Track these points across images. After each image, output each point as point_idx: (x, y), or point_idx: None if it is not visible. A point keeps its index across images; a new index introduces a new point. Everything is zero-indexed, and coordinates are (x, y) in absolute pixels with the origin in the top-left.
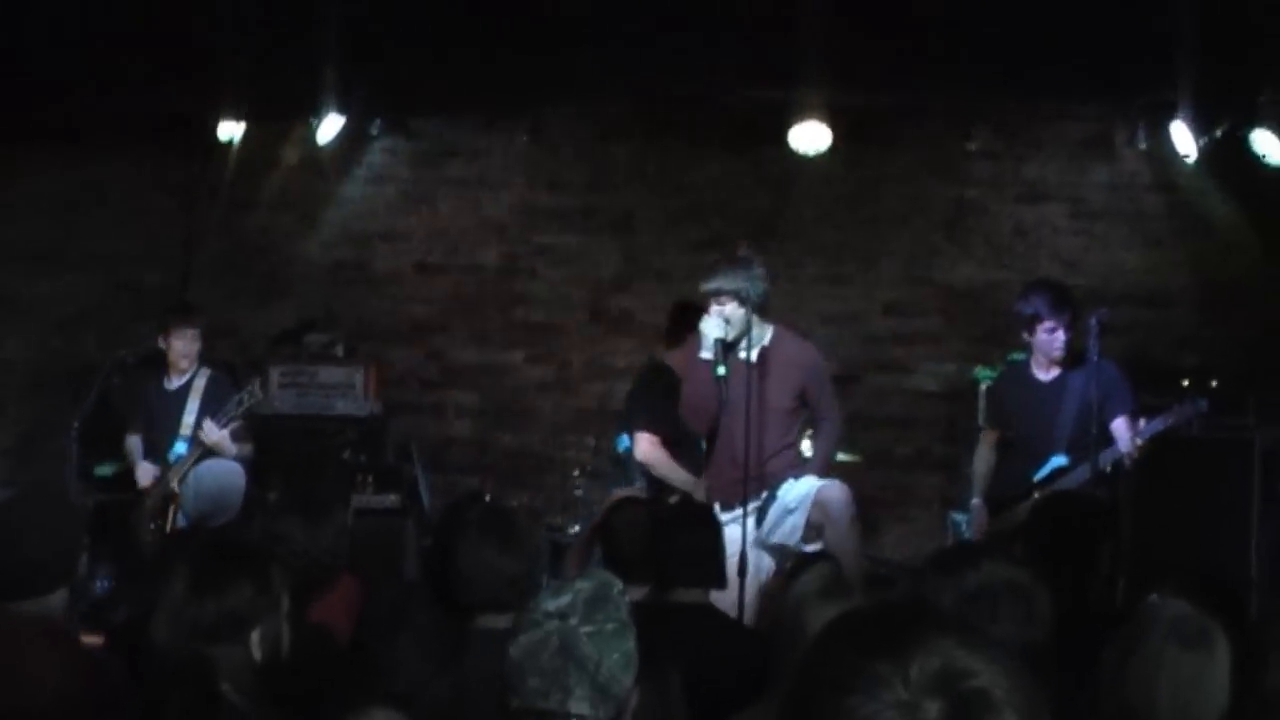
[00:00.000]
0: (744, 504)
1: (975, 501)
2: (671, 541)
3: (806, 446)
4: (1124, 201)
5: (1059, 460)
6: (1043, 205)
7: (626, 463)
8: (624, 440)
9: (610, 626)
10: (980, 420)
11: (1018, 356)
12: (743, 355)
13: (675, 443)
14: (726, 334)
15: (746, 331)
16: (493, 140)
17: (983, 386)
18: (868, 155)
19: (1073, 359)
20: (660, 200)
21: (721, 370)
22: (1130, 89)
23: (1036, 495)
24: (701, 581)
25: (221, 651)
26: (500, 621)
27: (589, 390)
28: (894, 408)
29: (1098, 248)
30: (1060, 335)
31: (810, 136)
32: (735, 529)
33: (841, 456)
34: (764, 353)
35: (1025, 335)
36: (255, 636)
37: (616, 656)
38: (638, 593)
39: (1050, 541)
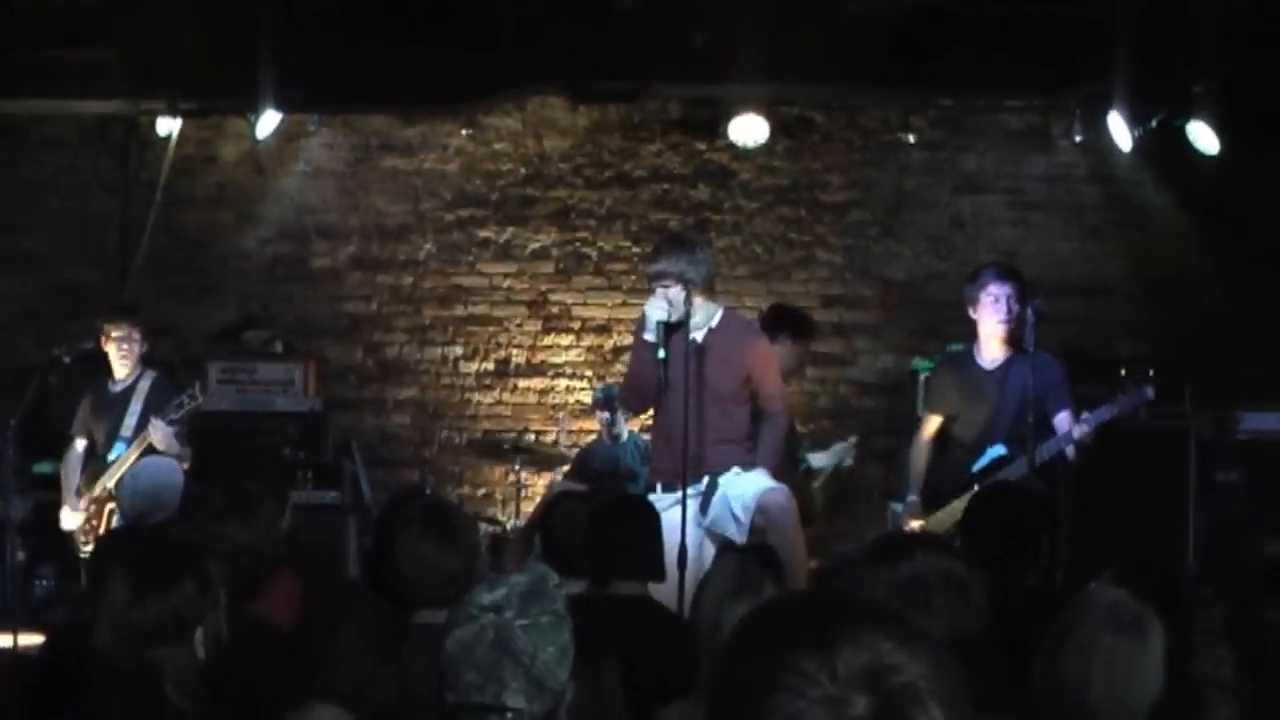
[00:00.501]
0: (683, 489)
1: (911, 499)
2: (609, 534)
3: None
4: (1061, 193)
5: (998, 450)
6: (981, 196)
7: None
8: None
9: (545, 619)
10: (919, 408)
11: (957, 348)
12: (690, 336)
13: None
14: (669, 316)
15: (687, 314)
16: (430, 134)
17: (922, 378)
18: (806, 148)
19: (1014, 348)
20: (598, 194)
21: (661, 354)
22: (1066, 81)
23: (976, 488)
24: (640, 574)
25: (167, 654)
26: (440, 617)
27: (529, 385)
28: (834, 400)
29: (1035, 238)
30: (1004, 305)
31: (748, 129)
32: (675, 514)
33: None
34: (709, 335)
35: (970, 312)
36: (199, 635)
37: (552, 650)
38: (578, 586)
39: (989, 533)
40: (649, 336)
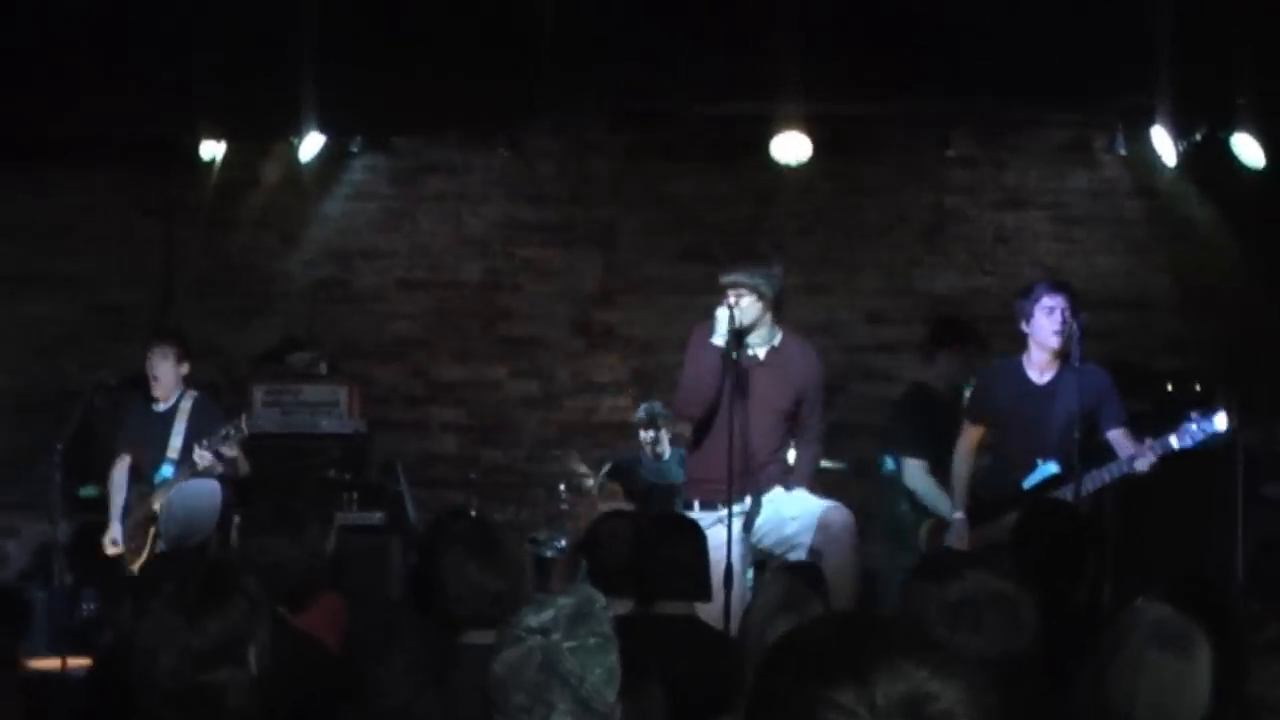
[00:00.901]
0: (729, 506)
1: (958, 517)
2: (655, 554)
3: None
4: (1104, 207)
5: (1051, 468)
6: (1023, 211)
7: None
8: (888, 462)
9: (593, 641)
10: (965, 414)
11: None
12: (751, 353)
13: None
14: (739, 322)
15: (756, 326)
16: (472, 156)
17: (966, 393)
18: (847, 165)
19: (1063, 361)
20: (640, 213)
21: (734, 354)
22: (1108, 94)
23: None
24: (685, 594)
25: (226, 675)
26: (486, 637)
27: (573, 404)
28: (878, 417)
29: (1079, 253)
30: (1059, 316)
31: (790, 147)
32: (717, 533)
33: (826, 464)
34: (771, 353)
35: (1023, 325)
36: (252, 654)
37: (600, 672)
38: (624, 606)
39: (1037, 549)
40: (717, 340)
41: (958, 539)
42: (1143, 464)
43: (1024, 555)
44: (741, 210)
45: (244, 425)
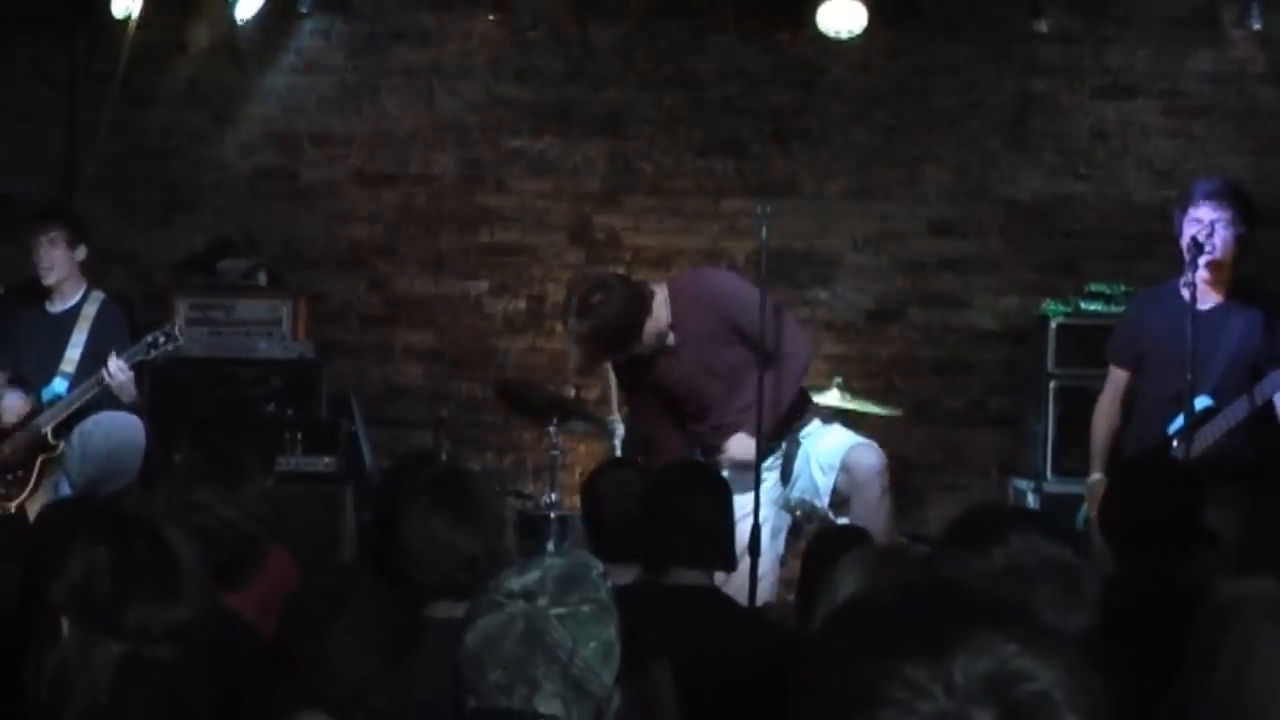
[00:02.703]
0: (757, 462)
1: (1095, 477)
2: (667, 510)
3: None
4: (1231, 95)
5: (1204, 402)
6: (1129, 100)
7: None
8: None
9: (586, 609)
10: (1049, 362)
11: (1100, 287)
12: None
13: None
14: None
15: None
16: (449, 20)
17: (1053, 324)
18: (911, 39)
19: (1235, 289)
20: (655, 95)
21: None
22: None
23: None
24: (704, 560)
25: (144, 653)
26: (457, 610)
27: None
28: (942, 350)
29: (1198, 153)
30: (1208, 227)
31: (841, 15)
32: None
33: (878, 409)
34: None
35: (1183, 244)
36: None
37: (594, 645)
38: (628, 574)
39: (1124, 514)
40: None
41: (1093, 504)
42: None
43: (1108, 519)
44: (779, 93)
45: (177, 333)
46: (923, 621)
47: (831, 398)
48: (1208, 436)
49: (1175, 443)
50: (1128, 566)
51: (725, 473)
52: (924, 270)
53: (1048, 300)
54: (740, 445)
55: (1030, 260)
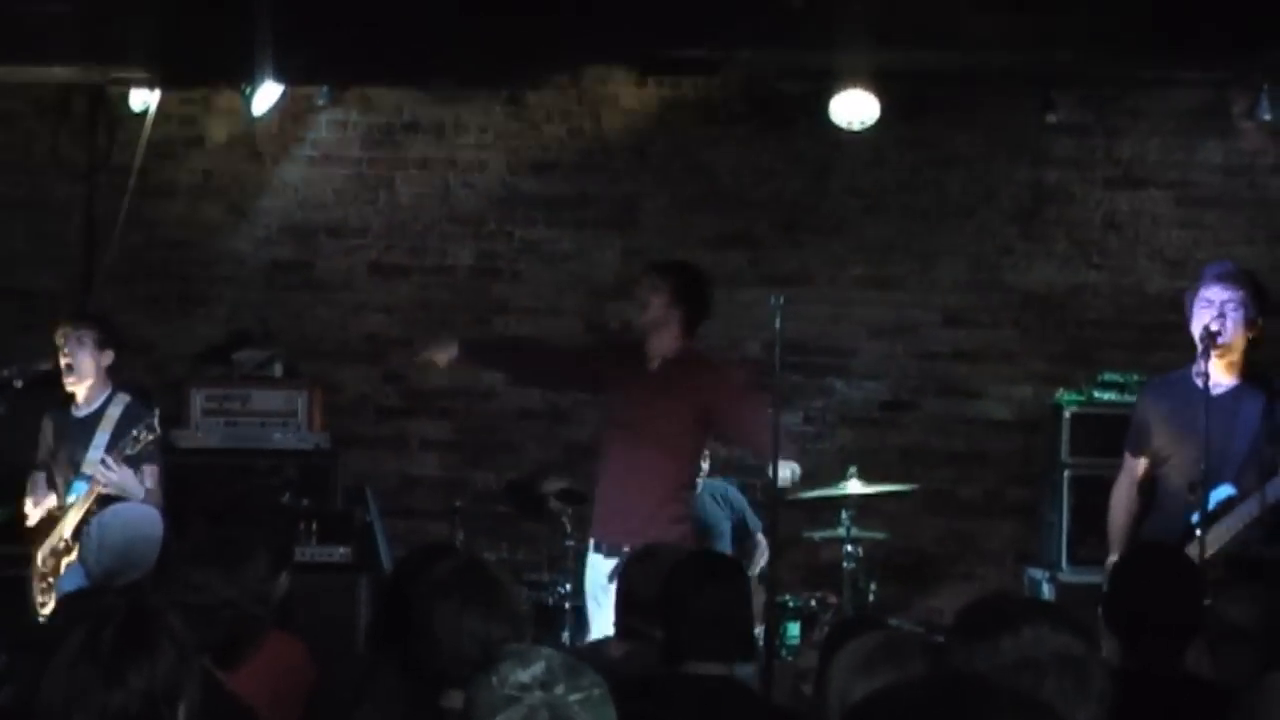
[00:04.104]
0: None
1: (1112, 560)
2: (681, 604)
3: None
4: (1242, 186)
5: (1224, 491)
6: (1141, 191)
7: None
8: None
9: (597, 693)
10: (1063, 451)
11: (1113, 377)
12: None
13: None
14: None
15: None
16: (464, 113)
17: (1066, 414)
18: (924, 131)
19: (1248, 371)
20: (669, 187)
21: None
22: (1251, 46)
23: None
24: (720, 653)
25: None
26: None
27: (583, 418)
28: (957, 440)
29: (1209, 242)
30: (1217, 310)
31: (854, 107)
32: None
33: (894, 488)
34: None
35: (1194, 332)
36: (182, 715)
37: None
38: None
39: (1130, 606)
40: None
41: None
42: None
43: (1114, 610)
44: (793, 185)
45: (156, 424)
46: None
47: (851, 486)
48: (1225, 534)
49: (1197, 533)
50: (1131, 657)
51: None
52: (938, 360)
53: (1061, 390)
54: None
55: (1044, 350)
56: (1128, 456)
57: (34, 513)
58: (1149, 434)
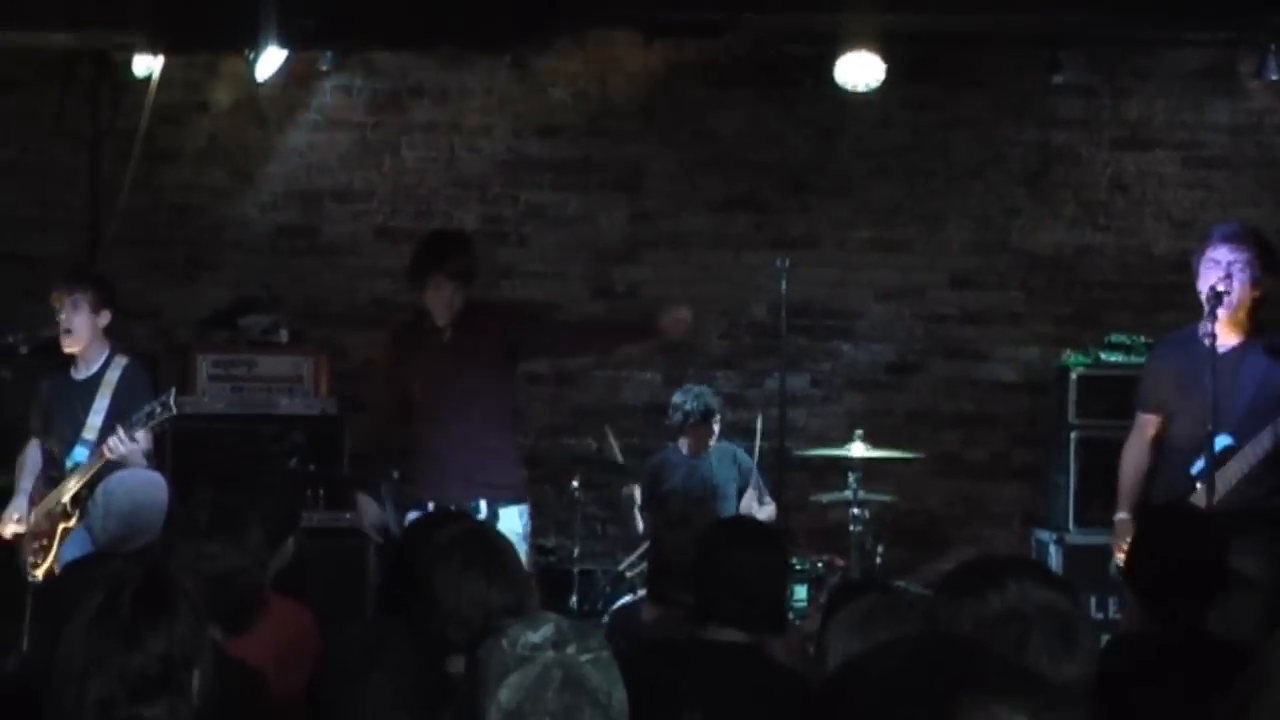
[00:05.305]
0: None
1: (1121, 516)
2: (713, 565)
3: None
4: (1249, 146)
5: (1224, 440)
6: (1148, 152)
7: None
8: None
9: (605, 655)
10: (1070, 412)
11: (1120, 338)
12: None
13: None
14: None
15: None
16: (469, 77)
17: (1073, 376)
18: (930, 92)
19: (1253, 330)
20: (674, 150)
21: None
22: (1258, 6)
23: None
24: (743, 620)
25: (165, 708)
26: None
27: (591, 382)
28: (964, 402)
29: (1216, 204)
30: (1224, 270)
31: (860, 69)
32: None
33: (899, 455)
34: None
35: (1201, 291)
36: (195, 681)
37: (619, 690)
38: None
39: (1156, 564)
40: None
41: (1119, 541)
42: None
43: (1139, 569)
44: (798, 148)
45: (172, 403)
46: (927, 684)
47: (855, 449)
48: (1232, 476)
49: (1198, 484)
50: (1153, 617)
51: None
52: (945, 323)
53: (1068, 352)
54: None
55: (1050, 312)
56: (1139, 414)
57: (24, 483)
58: (1158, 392)
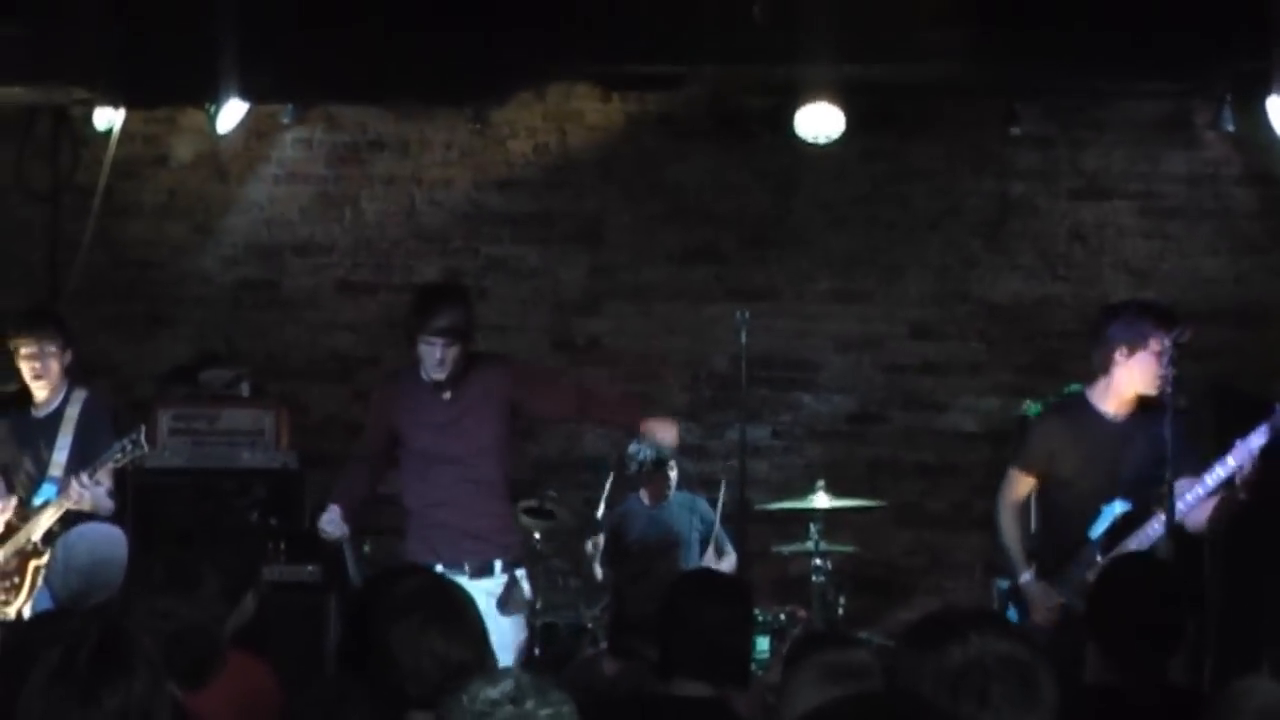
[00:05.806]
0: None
1: (1026, 578)
2: (677, 618)
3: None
4: (1206, 196)
5: (1118, 507)
6: (1106, 202)
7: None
8: None
9: (566, 709)
10: (1014, 461)
11: (1076, 388)
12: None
13: None
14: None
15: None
16: (430, 130)
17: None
18: (889, 144)
19: (1144, 401)
20: (634, 203)
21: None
22: (1214, 58)
23: (1099, 557)
24: (708, 674)
25: None
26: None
27: (549, 436)
28: (925, 452)
29: (1174, 253)
30: (1167, 360)
31: (819, 121)
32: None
33: (861, 503)
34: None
35: (1117, 356)
36: None
37: None
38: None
39: (1119, 616)
40: None
41: (1042, 604)
42: (1239, 456)
43: (1102, 621)
44: (758, 199)
45: (143, 440)
46: None
47: (819, 500)
48: (1142, 543)
49: (1098, 554)
50: (1115, 667)
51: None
52: (905, 373)
53: (1028, 401)
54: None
55: (1010, 362)
56: (1016, 471)
57: None
58: (1047, 454)
